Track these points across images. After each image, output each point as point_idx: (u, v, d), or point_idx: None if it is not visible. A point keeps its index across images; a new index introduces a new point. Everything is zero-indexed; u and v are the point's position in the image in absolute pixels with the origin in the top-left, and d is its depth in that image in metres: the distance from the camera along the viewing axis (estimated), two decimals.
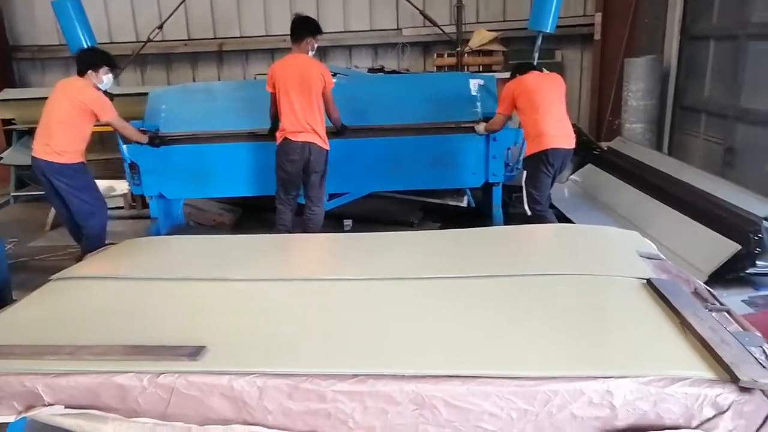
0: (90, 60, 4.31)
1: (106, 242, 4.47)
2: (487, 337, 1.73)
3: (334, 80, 5.03)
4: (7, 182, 7.10)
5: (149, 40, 7.34)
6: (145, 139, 4.72)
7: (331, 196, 5.27)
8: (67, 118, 4.18)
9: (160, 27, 7.30)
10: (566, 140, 4.40)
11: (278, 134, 4.44)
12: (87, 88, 4.23)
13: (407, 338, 1.75)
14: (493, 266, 2.31)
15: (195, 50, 7.92)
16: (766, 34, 5.03)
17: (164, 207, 5.44)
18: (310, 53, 4.47)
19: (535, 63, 4.83)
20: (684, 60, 6.36)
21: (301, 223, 4.67)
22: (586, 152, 6.10)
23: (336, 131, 4.66)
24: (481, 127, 4.89)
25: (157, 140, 4.87)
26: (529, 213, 4.43)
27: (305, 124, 4.31)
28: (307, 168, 4.43)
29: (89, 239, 4.37)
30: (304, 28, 4.42)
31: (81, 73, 4.27)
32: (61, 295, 2.23)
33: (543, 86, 4.42)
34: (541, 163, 4.32)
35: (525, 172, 4.46)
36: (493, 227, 3.27)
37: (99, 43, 7.85)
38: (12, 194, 7.06)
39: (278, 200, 4.61)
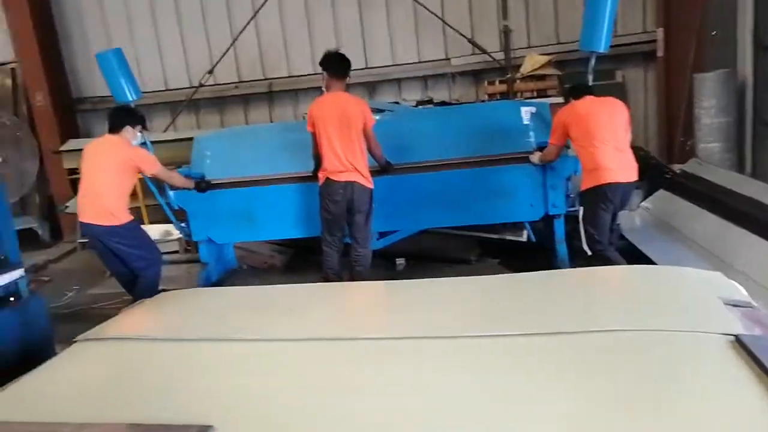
0: (127, 118, 4.36)
1: (160, 288, 4.48)
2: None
3: (378, 117, 4.88)
4: (74, 230, 7.26)
5: (201, 85, 7.47)
6: (191, 184, 4.72)
7: (381, 235, 5.05)
8: (113, 177, 4.20)
9: (211, 71, 7.43)
10: (627, 173, 4.02)
11: (320, 174, 4.28)
12: (125, 145, 4.26)
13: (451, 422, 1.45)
14: (554, 321, 1.98)
15: (246, 92, 7.97)
16: None
17: (215, 251, 5.36)
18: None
19: (590, 83, 4.48)
20: (761, 72, 5.82)
21: (349, 265, 4.46)
22: (656, 176, 5.64)
23: (381, 169, 4.46)
24: (535, 158, 4.58)
25: (203, 184, 4.85)
26: (589, 252, 4.05)
27: (347, 163, 4.15)
28: (351, 208, 4.25)
29: (143, 288, 4.31)
30: (343, 64, 4.30)
31: (116, 130, 4.30)
32: (79, 361, 2.10)
33: (598, 112, 4.05)
34: (599, 199, 3.96)
35: (582, 208, 4.09)
36: (553, 272, 2.94)
37: (155, 91, 8.12)
38: (78, 241, 7.20)
39: (324, 242, 4.43)
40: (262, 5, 7.26)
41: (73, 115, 8.26)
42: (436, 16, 7.24)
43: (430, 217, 4.92)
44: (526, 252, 5.18)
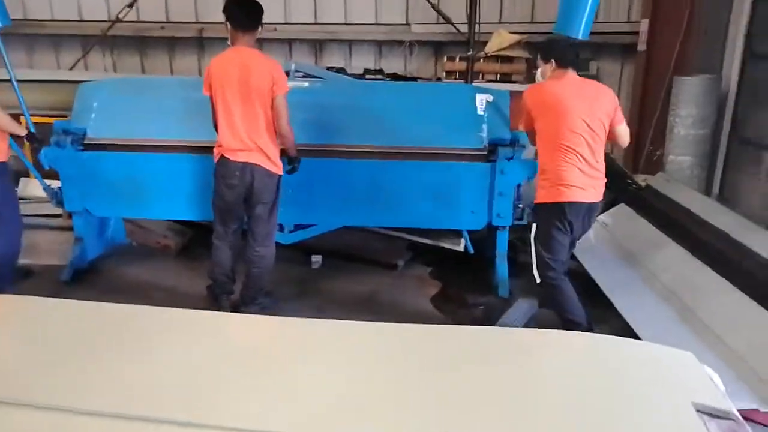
0: None
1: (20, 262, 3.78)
2: None
3: (305, 84, 4.01)
4: None
5: (118, 20, 6.39)
6: (21, 131, 3.68)
7: (296, 227, 4.25)
8: None
9: (131, 5, 6.34)
10: (596, 191, 3.17)
11: (215, 150, 3.43)
12: None
13: None
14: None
15: (173, 34, 6.92)
16: None
17: (94, 224, 4.46)
18: None
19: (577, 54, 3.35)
20: (746, 82, 5.17)
21: (245, 266, 3.64)
22: (619, 187, 4.97)
23: (286, 157, 3.55)
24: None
25: (35, 142, 3.87)
26: (537, 280, 3.31)
27: (247, 139, 3.30)
28: (249, 197, 3.41)
29: None
30: (251, 13, 3.38)
31: None
32: None
33: (577, 101, 3.06)
34: (556, 217, 3.15)
35: (534, 224, 3.31)
36: (485, 328, 2.24)
37: (66, 20, 6.97)
38: None
39: (215, 234, 3.61)
40: None
41: None
42: None
43: (354, 213, 4.12)
44: (462, 262, 4.47)
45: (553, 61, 3.17)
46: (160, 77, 6.21)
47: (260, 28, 3.42)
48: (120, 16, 6.34)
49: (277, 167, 3.44)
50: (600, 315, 3.55)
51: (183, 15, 6.89)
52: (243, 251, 3.62)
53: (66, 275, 4.20)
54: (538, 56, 3.34)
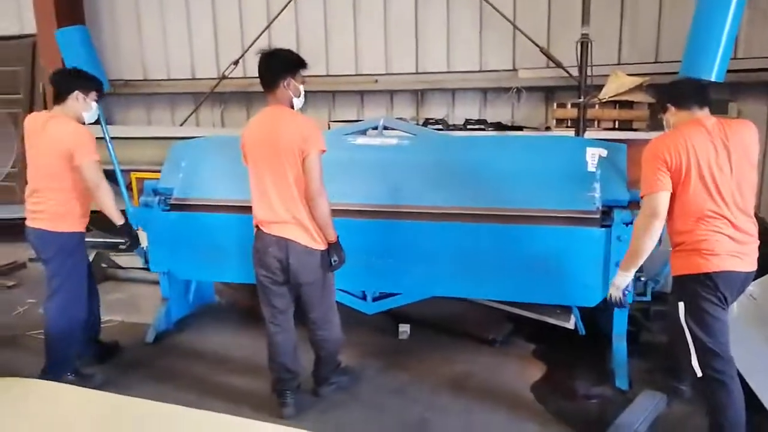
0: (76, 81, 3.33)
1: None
2: None
3: (389, 141, 3.71)
4: None
5: (224, 77, 6.53)
6: (118, 219, 3.46)
7: (381, 295, 3.88)
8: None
9: (236, 62, 6.46)
10: (750, 258, 2.57)
11: (254, 222, 3.05)
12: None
13: None
14: None
15: None
16: None
17: (179, 285, 4.37)
18: (296, 102, 2.99)
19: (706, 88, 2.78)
20: None
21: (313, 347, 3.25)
22: None
23: (326, 242, 2.95)
24: (620, 280, 2.80)
25: (128, 237, 3.62)
26: (699, 374, 2.61)
27: (282, 210, 2.87)
28: (289, 277, 2.95)
29: (51, 323, 3.36)
30: (269, 70, 2.90)
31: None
32: None
33: (720, 157, 2.50)
34: (704, 289, 2.54)
35: (681, 303, 2.64)
36: None
37: (181, 79, 7.30)
38: None
39: (267, 319, 3.09)
40: None
41: None
42: (506, 18, 5.91)
43: (444, 282, 3.66)
44: (572, 341, 3.84)
45: (669, 105, 2.70)
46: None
47: (288, 79, 2.89)
48: (226, 73, 6.47)
49: (319, 240, 2.92)
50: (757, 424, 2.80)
51: None
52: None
53: (149, 337, 4.11)
54: (658, 104, 2.86)
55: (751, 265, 2.58)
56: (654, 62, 5.88)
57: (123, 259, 5.61)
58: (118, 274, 5.58)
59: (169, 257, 4.06)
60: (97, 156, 3.26)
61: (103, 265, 5.53)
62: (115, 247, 5.64)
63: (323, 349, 3.16)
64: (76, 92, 3.27)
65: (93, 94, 3.35)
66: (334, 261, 2.93)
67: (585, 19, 5.08)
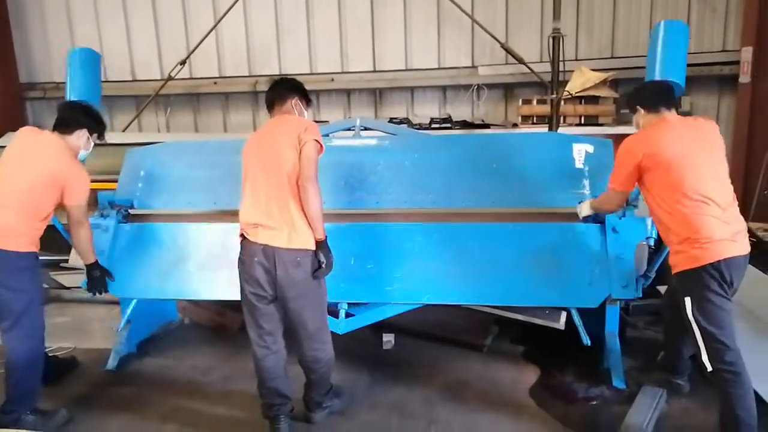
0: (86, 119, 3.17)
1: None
2: None
3: (369, 141, 3.52)
4: None
5: (171, 78, 6.13)
6: (89, 259, 3.23)
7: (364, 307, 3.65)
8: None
9: (183, 62, 6.09)
10: (743, 239, 2.63)
11: (240, 230, 2.82)
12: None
13: None
14: None
15: (226, 90, 6.63)
16: None
17: (142, 306, 3.97)
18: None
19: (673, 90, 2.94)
20: None
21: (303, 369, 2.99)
22: None
23: (315, 243, 2.72)
24: (585, 208, 3.16)
25: (95, 282, 3.32)
26: (708, 368, 2.60)
27: (275, 210, 2.67)
28: (276, 292, 2.72)
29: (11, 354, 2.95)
30: (289, 86, 2.96)
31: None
32: None
33: (692, 145, 2.65)
34: (710, 280, 2.55)
35: (688, 298, 2.63)
36: None
37: (121, 81, 6.83)
38: None
39: (253, 341, 2.84)
40: None
41: (21, 103, 6.96)
42: (464, 11, 5.83)
43: (434, 289, 3.46)
44: (560, 340, 3.76)
45: (639, 108, 2.86)
46: (211, 140, 5.71)
47: (295, 99, 2.93)
48: (172, 74, 6.08)
49: (310, 244, 2.71)
50: None
51: (236, 69, 6.61)
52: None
53: (111, 363, 3.74)
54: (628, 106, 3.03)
55: (745, 247, 2.64)
56: (610, 57, 5.98)
57: (66, 279, 5.14)
58: (62, 295, 5.12)
59: (130, 277, 3.68)
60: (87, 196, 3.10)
61: (45, 286, 5.03)
62: (56, 265, 5.15)
63: (314, 372, 2.92)
64: (85, 130, 3.13)
65: (95, 136, 3.22)
66: (321, 263, 2.71)
67: (556, 14, 5.07)
